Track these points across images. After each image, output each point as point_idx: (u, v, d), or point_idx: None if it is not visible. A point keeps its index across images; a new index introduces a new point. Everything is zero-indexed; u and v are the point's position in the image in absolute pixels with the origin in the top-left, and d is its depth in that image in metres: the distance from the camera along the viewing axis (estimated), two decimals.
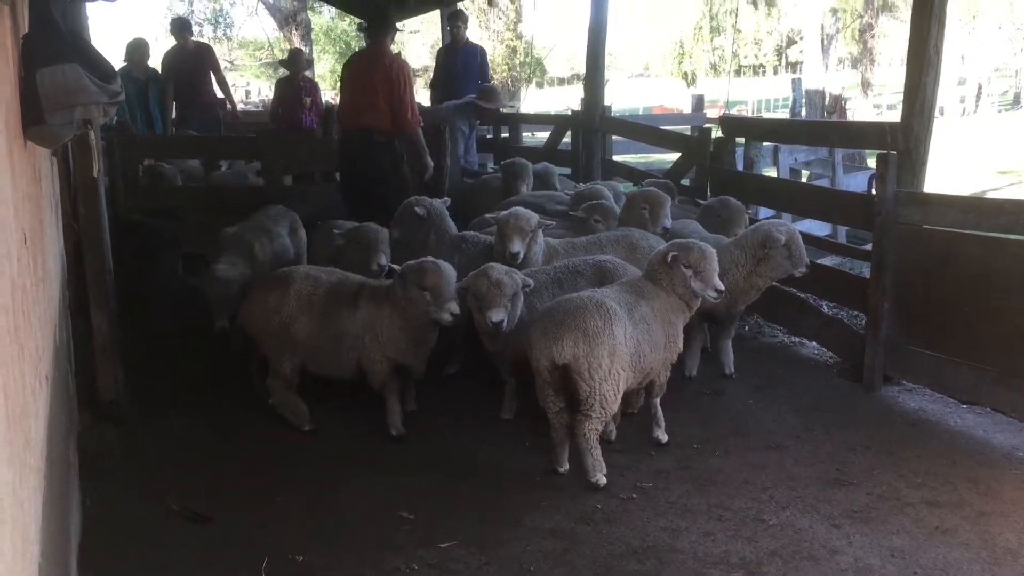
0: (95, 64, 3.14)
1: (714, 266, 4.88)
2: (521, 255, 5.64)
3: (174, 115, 11.67)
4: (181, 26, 12.47)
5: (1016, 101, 46.84)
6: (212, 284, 5.91)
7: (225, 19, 33.21)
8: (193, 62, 11.79)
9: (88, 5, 6.26)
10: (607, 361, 4.38)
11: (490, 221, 6.15)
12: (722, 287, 4.91)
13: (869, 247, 6.28)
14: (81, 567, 3.73)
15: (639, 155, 15.01)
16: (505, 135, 12.69)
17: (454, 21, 11.35)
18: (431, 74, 12.09)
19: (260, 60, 34.98)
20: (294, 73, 11.65)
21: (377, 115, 7.53)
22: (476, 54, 11.31)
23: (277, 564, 3.92)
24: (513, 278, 4.88)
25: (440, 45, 12.36)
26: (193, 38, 12.56)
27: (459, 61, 11.08)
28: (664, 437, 5.16)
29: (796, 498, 4.53)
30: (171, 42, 12.05)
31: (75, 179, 5.19)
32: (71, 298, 5.25)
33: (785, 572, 3.85)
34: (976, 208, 5.46)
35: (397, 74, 7.47)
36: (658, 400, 5.12)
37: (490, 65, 12.35)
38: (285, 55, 13.57)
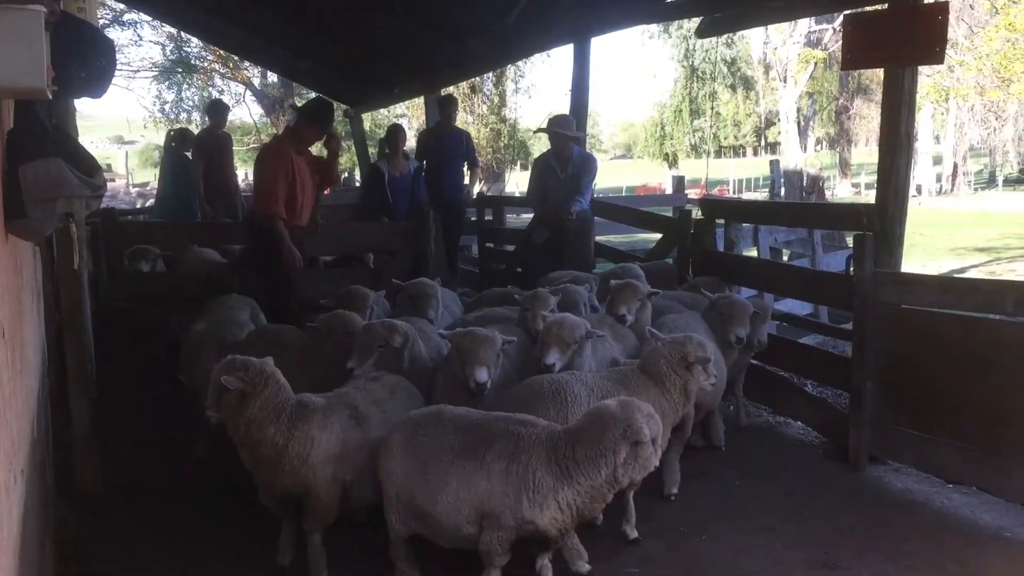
0: (78, 158, 3.18)
1: (711, 355, 4.89)
2: (558, 366, 5.05)
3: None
4: (220, 109, 12.78)
5: (992, 180, 47.81)
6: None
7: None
8: (220, 146, 12.16)
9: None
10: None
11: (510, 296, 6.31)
12: (715, 372, 4.90)
13: (850, 326, 6.33)
14: None
15: (623, 235, 15.18)
16: (489, 217, 12.82)
17: (448, 107, 11.39)
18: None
19: (247, 146, 35.38)
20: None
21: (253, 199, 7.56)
22: (461, 138, 11.42)
23: None
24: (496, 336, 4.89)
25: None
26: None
27: (443, 145, 11.18)
28: (633, 534, 4.91)
29: None
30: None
31: (58, 268, 5.21)
32: (52, 386, 5.22)
33: None
34: (953, 288, 5.54)
35: (266, 160, 7.35)
36: (631, 494, 4.89)
37: (475, 147, 12.48)
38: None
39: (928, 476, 5.75)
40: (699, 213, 8.42)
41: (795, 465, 6.14)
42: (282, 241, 7.11)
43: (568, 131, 8.80)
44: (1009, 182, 46.72)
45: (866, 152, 48.93)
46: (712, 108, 53.23)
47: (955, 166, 45.48)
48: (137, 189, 36.53)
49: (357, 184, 18.19)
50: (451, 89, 14.82)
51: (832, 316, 9.75)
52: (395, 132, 10.86)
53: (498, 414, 4.14)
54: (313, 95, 34.11)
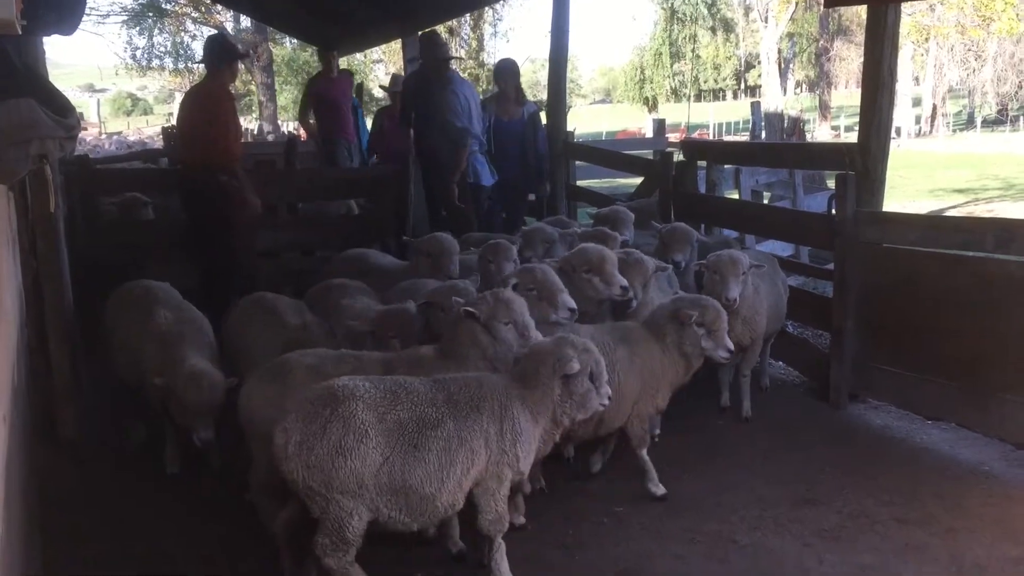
0: (50, 98, 3.10)
1: (726, 326, 4.73)
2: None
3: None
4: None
5: (970, 121, 47.86)
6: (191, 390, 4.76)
7: (186, 51, 33.05)
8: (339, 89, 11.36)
9: (44, 39, 6.16)
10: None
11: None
12: (732, 347, 4.76)
13: (831, 267, 6.36)
14: None
15: (602, 180, 15.11)
16: None
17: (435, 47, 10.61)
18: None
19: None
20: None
21: (195, 151, 7.13)
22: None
23: None
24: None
25: (403, 73, 12.07)
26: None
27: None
28: (659, 490, 4.75)
29: (767, 519, 4.53)
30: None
31: (32, 214, 5.12)
32: (31, 335, 5.16)
33: None
34: (935, 226, 5.56)
35: (213, 106, 7.01)
36: (644, 451, 4.82)
37: None
38: (244, 87, 13.52)
39: (907, 413, 5.83)
40: (681, 155, 8.38)
41: (776, 404, 6.20)
42: (244, 185, 6.94)
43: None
44: (988, 123, 46.80)
45: (846, 95, 48.79)
46: (692, 51, 52.87)
47: (934, 107, 45.49)
48: (116, 137, 35.82)
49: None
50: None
51: (812, 258, 9.78)
52: (505, 70, 9.41)
53: (444, 377, 3.82)
54: (288, 40, 33.56)
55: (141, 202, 8.70)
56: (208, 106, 7.01)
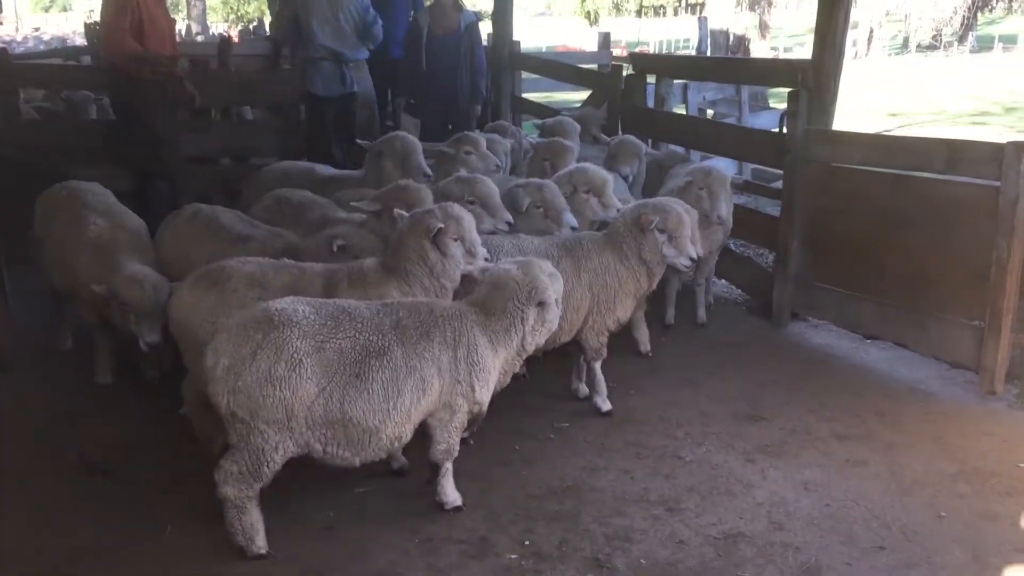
0: None
1: (689, 232, 4.56)
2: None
3: None
4: None
5: (905, 45, 48.22)
6: (134, 292, 4.49)
7: None
8: None
9: None
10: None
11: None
12: (695, 254, 4.60)
13: (776, 185, 6.33)
14: None
15: (543, 93, 14.83)
16: None
17: None
18: None
19: None
20: None
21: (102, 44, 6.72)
22: None
23: (182, 522, 3.73)
24: None
25: None
26: None
27: None
28: (606, 405, 4.76)
29: (711, 434, 4.57)
30: None
31: None
32: None
33: (703, 508, 3.88)
34: (884, 146, 5.55)
35: None
36: (598, 365, 4.79)
37: None
38: None
39: (847, 332, 5.90)
40: (629, 69, 8.20)
41: (719, 322, 6.23)
42: (165, 71, 6.42)
43: None
44: (922, 48, 47.22)
45: (785, 14, 48.63)
46: None
47: (871, 31, 45.65)
48: (36, 34, 33.81)
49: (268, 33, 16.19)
50: None
51: (755, 176, 9.78)
52: None
53: (393, 302, 3.68)
54: None
55: (90, 100, 8.23)
56: None
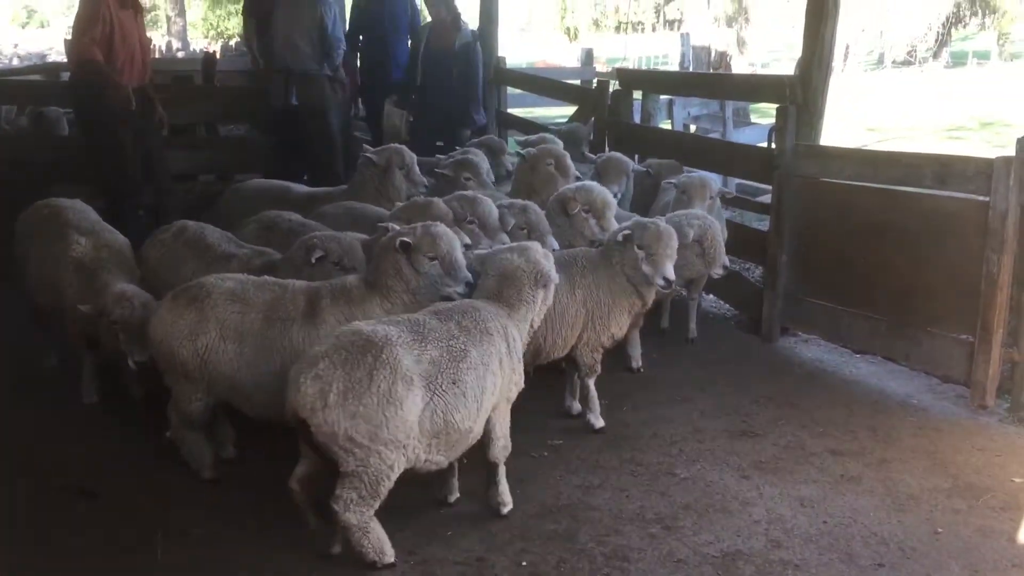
0: None
1: (668, 252, 4.50)
2: None
3: None
4: None
5: (880, 61, 48.75)
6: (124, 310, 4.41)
7: None
8: None
9: None
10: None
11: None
12: (672, 277, 4.53)
13: (762, 199, 6.33)
14: None
15: (527, 108, 14.82)
16: None
17: None
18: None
19: None
20: None
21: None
22: (406, 2, 9.47)
23: (173, 538, 3.67)
24: None
25: None
26: None
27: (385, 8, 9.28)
28: (599, 422, 4.74)
29: (705, 451, 4.54)
30: None
31: None
32: None
33: (700, 526, 3.85)
34: (873, 161, 5.57)
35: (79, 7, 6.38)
36: (592, 382, 4.75)
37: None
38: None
39: (837, 347, 5.91)
40: (615, 85, 8.21)
41: (708, 337, 6.21)
42: (103, 78, 6.21)
43: None
44: (897, 64, 47.77)
45: (763, 31, 49.05)
46: None
47: (847, 47, 46.13)
48: (15, 50, 33.46)
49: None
50: None
51: (741, 191, 9.79)
52: None
53: (439, 308, 3.72)
54: None
55: (56, 115, 8.13)
56: (84, 3, 6.33)
